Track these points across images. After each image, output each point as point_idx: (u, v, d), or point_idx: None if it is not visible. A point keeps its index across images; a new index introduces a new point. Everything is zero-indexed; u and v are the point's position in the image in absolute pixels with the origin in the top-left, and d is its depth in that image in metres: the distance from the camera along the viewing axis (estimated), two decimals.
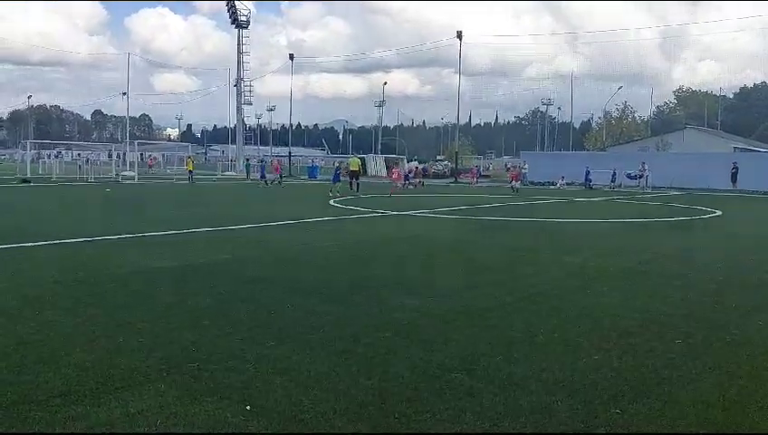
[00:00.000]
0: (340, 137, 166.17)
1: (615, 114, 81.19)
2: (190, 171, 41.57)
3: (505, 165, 72.50)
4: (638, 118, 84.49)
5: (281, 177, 39.35)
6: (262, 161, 45.28)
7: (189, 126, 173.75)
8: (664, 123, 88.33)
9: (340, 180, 27.96)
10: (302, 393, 4.10)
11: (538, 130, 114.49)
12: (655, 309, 6.72)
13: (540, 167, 44.16)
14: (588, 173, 37.57)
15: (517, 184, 33.90)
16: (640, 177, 36.87)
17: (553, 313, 6.46)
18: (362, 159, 59.50)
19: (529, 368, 4.70)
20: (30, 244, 10.55)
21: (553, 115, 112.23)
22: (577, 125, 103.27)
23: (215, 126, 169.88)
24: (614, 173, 38.94)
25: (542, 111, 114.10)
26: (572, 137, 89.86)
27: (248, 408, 3.86)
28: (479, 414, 3.83)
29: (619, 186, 38.16)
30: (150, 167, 57.87)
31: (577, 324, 5.99)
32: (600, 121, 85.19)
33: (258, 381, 4.30)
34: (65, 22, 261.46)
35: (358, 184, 30.85)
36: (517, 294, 7.34)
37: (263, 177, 36.88)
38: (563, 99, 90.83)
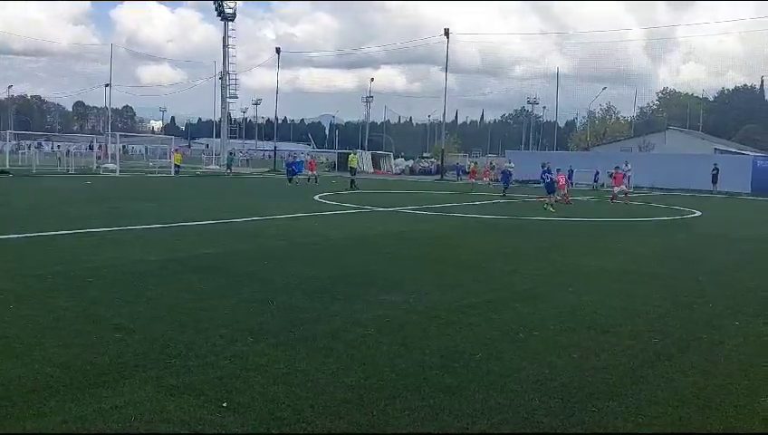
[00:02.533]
0: (327, 132, 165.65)
1: (599, 114, 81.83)
2: (176, 165, 41.16)
3: (490, 163, 72.66)
4: (621, 118, 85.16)
5: (316, 176, 33.50)
6: (293, 158, 40.58)
7: (173, 118, 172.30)
8: (647, 124, 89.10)
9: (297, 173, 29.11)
10: (281, 391, 4.07)
11: (523, 129, 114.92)
12: (633, 308, 6.78)
13: (525, 165, 44.30)
14: (571, 173, 36.86)
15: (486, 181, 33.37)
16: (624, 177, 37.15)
17: (534, 311, 6.49)
18: (348, 155, 59.54)
19: (508, 366, 4.71)
20: (2, 236, 10.39)
21: (539, 114, 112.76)
22: (562, 124, 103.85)
23: (199, 119, 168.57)
24: (597, 173, 39.20)
25: (527, 110, 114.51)
26: (557, 136, 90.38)
27: (225, 405, 3.82)
28: (457, 413, 3.83)
29: (602, 185, 38.41)
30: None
31: (557, 323, 6.02)
32: (584, 121, 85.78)
33: (236, 378, 4.26)
34: (48, 11, 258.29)
35: (354, 181, 30.23)
36: (499, 293, 7.36)
37: (291, 175, 33.35)
38: (549, 98, 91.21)
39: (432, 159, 62.41)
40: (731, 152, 52.52)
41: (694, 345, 5.49)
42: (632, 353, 5.15)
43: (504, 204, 23.36)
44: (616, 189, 26.23)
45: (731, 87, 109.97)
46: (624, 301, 7.14)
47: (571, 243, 12.57)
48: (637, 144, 57.36)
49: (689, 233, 15.61)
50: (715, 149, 52.51)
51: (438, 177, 47.90)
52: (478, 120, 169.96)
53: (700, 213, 21.02)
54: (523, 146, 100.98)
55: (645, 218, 19.25)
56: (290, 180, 32.78)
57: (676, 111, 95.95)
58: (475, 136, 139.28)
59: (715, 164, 36.32)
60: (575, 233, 14.88)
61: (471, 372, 4.55)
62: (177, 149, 46.32)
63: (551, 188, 20.96)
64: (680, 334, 5.79)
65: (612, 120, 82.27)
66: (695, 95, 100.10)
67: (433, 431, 3.60)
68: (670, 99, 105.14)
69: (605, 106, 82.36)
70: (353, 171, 31.45)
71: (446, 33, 48.83)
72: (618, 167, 28.45)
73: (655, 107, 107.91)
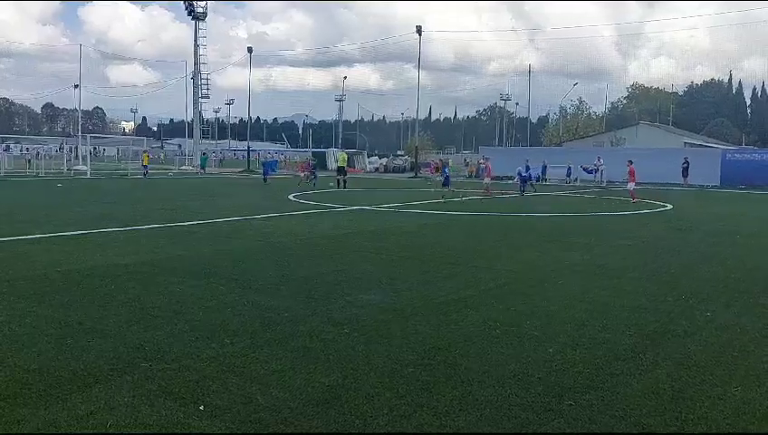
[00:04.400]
0: (301, 131, 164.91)
1: (571, 110, 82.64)
2: (145, 166, 40.59)
3: (464, 160, 73.03)
4: (593, 114, 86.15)
5: (314, 175, 30.04)
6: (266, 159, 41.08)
7: (144, 119, 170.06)
8: (618, 119, 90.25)
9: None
10: (258, 392, 4.04)
11: (497, 125, 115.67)
12: (607, 302, 6.86)
13: (498, 162, 44.61)
14: (527, 169, 33.59)
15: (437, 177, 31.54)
16: (596, 171, 37.64)
17: (510, 307, 6.53)
18: (323, 154, 59.35)
19: (485, 362, 4.74)
20: None
21: (511, 110, 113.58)
22: (534, 120, 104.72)
23: (171, 120, 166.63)
24: (569, 168, 39.64)
25: (500, 106, 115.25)
26: (530, 131, 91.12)
27: (202, 408, 3.79)
28: (435, 410, 3.84)
29: (575, 180, 38.85)
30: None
31: (533, 318, 6.07)
32: (556, 117, 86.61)
33: (212, 381, 4.22)
34: (15, 10, 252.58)
35: (345, 181, 28.76)
36: (476, 289, 7.40)
37: (265, 175, 33.59)
38: (521, 94, 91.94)
39: (406, 157, 62.50)
40: (700, 146, 53.48)
41: (667, 337, 5.58)
42: (608, 347, 5.21)
43: (483, 200, 23.49)
44: (630, 186, 24.13)
45: (700, 81, 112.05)
46: (597, 295, 7.23)
47: (546, 237, 12.68)
48: (608, 139, 58.05)
49: (662, 226, 15.85)
50: (685, 142, 53.45)
51: (412, 174, 48.01)
52: (452, 117, 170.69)
53: (671, 206, 21.35)
54: (496, 142, 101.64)
55: (616, 212, 19.50)
56: (265, 180, 32.54)
57: (647, 105, 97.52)
58: (448, 132, 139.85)
59: (685, 158, 36.92)
60: (544, 229, 15.01)
61: (448, 369, 4.56)
62: (145, 151, 45.62)
63: (447, 181, 23.76)
64: (654, 327, 5.88)
65: (584, 115, 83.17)
66: (665, 90, 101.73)
67: (411, 430, 3.60)
68: (641, 93, 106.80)
69: (577, 102, 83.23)
70: (343, 171, 29.50)
71: (419, 30, 48.96)
72: (631, 160, 26.30)
73: (626, 102, 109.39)
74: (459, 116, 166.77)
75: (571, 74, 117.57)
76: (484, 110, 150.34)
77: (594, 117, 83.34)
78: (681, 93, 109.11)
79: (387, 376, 4.38)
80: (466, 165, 55.82)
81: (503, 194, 26.26)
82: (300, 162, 37.50)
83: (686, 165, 36.01)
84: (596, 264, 9.42)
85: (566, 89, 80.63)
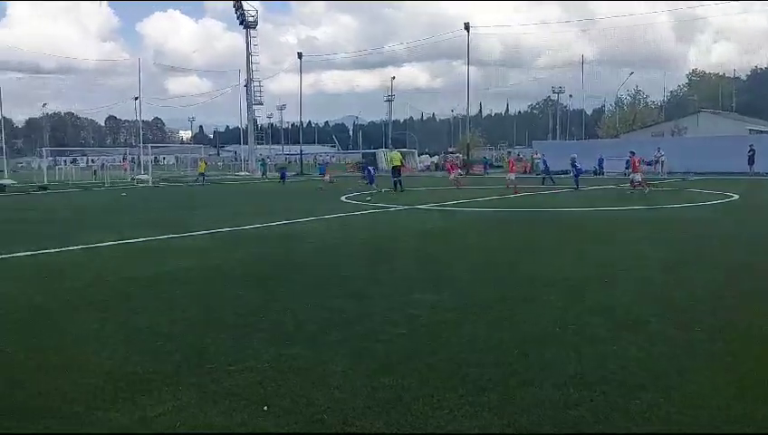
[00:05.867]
0: (351, 133, 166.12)
1: (627, 100, 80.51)
2: (201, 173, 41.62)
3: (517, 154, 72.07)
4: (650, 103, 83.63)
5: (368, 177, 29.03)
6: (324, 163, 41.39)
7: (201, 127, 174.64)
8: (677, 107, 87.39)
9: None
10: (319, 393, 4.09)
11: (550, 119, 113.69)
12: (674, 298, 6.64)
13: (551, 157, 43.83)
14: (574, 160, 32.66)
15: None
16: (656, 162, 36.53)
17: (569, 304, 6.41)
18: (374, 155, 59.60)
19: (546, 361, 4.66)
20: (43, 251, 10.65)
21: (565, 103, 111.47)
22: (589, 112, 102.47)
23: (227, 127, 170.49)
24: (628, 160, 38.58)
25: (553, 100, 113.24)
26: (585, 124, 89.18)
27: (266, 408, 3.86)
28: (496, 410, 3.80)
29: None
30: (125, 170, 55.04)
31: (594, 316, 5.93)
32: (612, 108, 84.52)
33: (275, 382, 4.29)
34: (77, 29, 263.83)
35: (401, 181, 26.78)
36: (533, 287, 7.29)
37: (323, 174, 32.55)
38: (575, 86, 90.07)
39: (458, 154, 62.15)
40: (766, 132, 51.20)
41: (740, 335, 5.36)
42: (676, 344, 5.04)
43: (537, 196, 23.13)
44: (635, 177, 24.24)
45: (765, 65, 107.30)
46: (663, 290, 7.01)
47: (607, 232, 12.38)
48: (668, 129, 56.26)
49: (729, 217, 15.26)
50: (750, 129, 51.26)
51: (465, 171, 47.67)
52: (503, 112, 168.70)
53: (738, 196, 20.54)
54: (550, 136, 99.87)
55: (681, 205, 18.87)
56: (330, 181, 31.51)
57: (708, 92, 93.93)
58: (500, 128, 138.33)
59: (750, 145, 35.49)
60: (600, 223, 14.66)
61: (509, 369, 4.51)
62: (201, 158, 46.88)
63: (371, 178, 26.02)
64: (722, 324, 5.65)
65: (641, 105, 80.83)
66: (726, 75, 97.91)
67: (474, 431, 3.58)
68: (701, 81, 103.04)
69: (633, 91, 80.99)
70: (398, 171, 27.59)
71: (467, 27, 48.66)
72: (633, 152, 26.57)
73: (685, 90, 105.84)
74: (511, 111, 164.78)
75: (626, 63, 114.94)
76: (537, 104, 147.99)
77: (652, 106, 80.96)
78: (744, 79, 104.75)
79: (447, 377, 4.36)
80: (519, 159, 54.96)
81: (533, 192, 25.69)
82: (350, 163, 37.70)
83: (751, 153, 34.61)
84: (660, 258, 9.13)
85: (621, 79, 78.48)
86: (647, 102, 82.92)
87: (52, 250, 10.75)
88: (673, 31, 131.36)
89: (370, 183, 25.91)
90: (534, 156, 43.81)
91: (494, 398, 3.97)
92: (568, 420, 3.66)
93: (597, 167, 40.04)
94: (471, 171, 46.72)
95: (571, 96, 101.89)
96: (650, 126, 62.03)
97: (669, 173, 35.61)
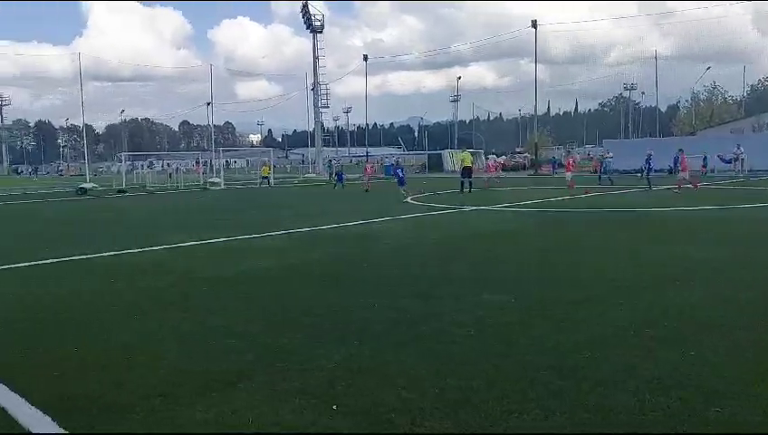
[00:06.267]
0: (416, 134, 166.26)
1: (704, 96, 77.29)
2: (265, 176, 42.31)
3: (587, 154, 70.35)
4: (729, 99, 79.95)
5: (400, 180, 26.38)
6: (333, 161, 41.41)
7: (270, 131, 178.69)
8: (759, 102, 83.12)
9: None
10: (388, 393, 4.12)
11: (621, 117, 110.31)
12: (751, 300, 6.34)
13: (624, 155, 42.53)
14: (649, 157, 31.30)
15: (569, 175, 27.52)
16: (735, 160, 34.86)
17: (643, 306, 6.22)
18: (439, 156, 59.43)
19: (620, 365, 4.54)
20: (122, 252, 11.15)
21: (637, 100, 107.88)
22: (663, 109, 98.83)
23: (294, 130, 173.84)
24: (705, 158, 37.02)
25: (624, 97, 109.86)
26: (659, 121, 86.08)
27: (335, 407, 3.92)
28: (568, 414, 3.73)
29: (712, 171, 36.24)
30: (199, 174, 56.78)
31: (668, 318, 5.73)
32: (687, 104, 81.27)
33: (344, 381, 4.36)
34: (154, 38, 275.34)
35: (470, 182, 25.87)
36: (605, 288, 7.11)
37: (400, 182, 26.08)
38: (647, 83, 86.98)
39: (525, 154, 61.19)
40: None
41: None
42: (756, 349, 4.82)
43: (607, 196, 22.50)
44: (683, 175, 23.63)
45: None
46: (739, 292, 6.69)
47: (682, 232, 11.93)
48: (749, 125, 53.62)
49: None
50: None
51: (533, 171, 46.90)
52: (572, 111, 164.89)
53: None
54: (622, 134, 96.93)
55: (756, 205, 17.95)
56: (401, 183, 27.99)
57: None
58: (569, 127, 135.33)
59: None
60: (671, 223, 14.11)
61: (581, 372, 4.41)
62: (264, 163, 47.67)
63: (402, 181, 25.34)
64: None
65: (719, 100, 77.37)
66: None
67: (545, 433, 3.53)
68: None
69: (710, 87, 77.64)
70: (468, 172, 26.35)
71: (534, 24, 47.84)
72: (681, 150, 25.60)
73: (767, 84, 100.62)
74: (580, 109, 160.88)
75: (703, 58, 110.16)
76: (608, 101, 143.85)
77: (731, 102, 77.38)
78: None
79: (515, 379, 4.32)
80: (591, 158, 53.64)
81: (588, 193, 24.88)
82: (414, 164, 36.98)
83: None
84: (740, 260, 8.73)
85: (697, 74, 75.27)
86: (725, 98, 79.35)
87: (136, 250, 11.25)
88: (752, 23, 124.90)
89: (400, 185, 25.50)
90: (605, 155, 42.55)
91: (566, 402, 3.90)
92: (643, 427, 3.56)
93: (672, 165, 38.56)
94: (539, 171, 45.85)
95: (643, 93, 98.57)
96: (729, 122, 59.34)
97: (750, 171, 33.90)
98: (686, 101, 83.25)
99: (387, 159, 70.77)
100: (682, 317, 5.78)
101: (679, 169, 24.51)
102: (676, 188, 22.75)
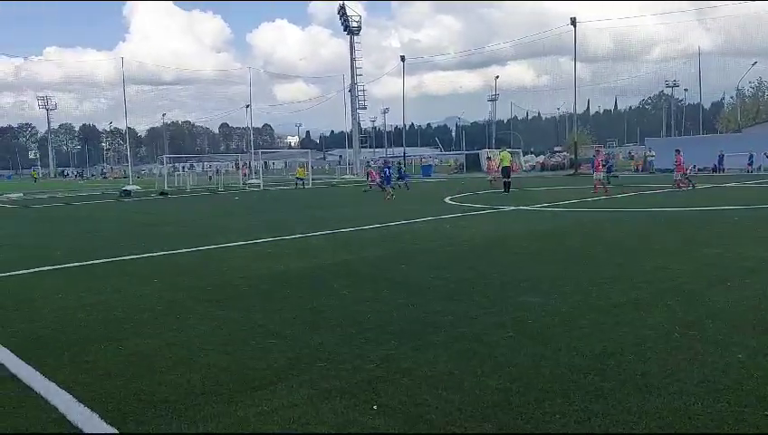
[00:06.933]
0: (453, 134, 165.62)
1: (749, 92, 75.10)
2: (300, 178, 42.02)
3: (629, 153, 69.03)
4: None
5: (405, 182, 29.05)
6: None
7: (308, 133, 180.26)
8: None
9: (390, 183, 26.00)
10: (427, 393, 4.12)
11: (663, 115, 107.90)
12: None
13: (664, 154, 41.62)
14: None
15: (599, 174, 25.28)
16: None
17: (689, 308, 6.07)
18: (476, 155, 59.05)
19: (664, 367, 4.44)
20: (165, 253, 11.38)
21: (679, 97, 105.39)
22: (707, 106, 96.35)
23: (332, 131, 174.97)
24: (752, 155, 36.01)
25: (666, 94, 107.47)
26: (702, 119, 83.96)
27: (375, 408, 3.93)
28: (611, 417, 3.67)
29: (758, 168, 35.22)
30: (245, 175, 57.13)
31: (715, 320, 5.59)
32: (732, 102, 79.06)
33: (383, 382, 4.37)
34: (194, 42, 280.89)
35: (509, 183, 25.71)
36: (648, 289, 6.97)
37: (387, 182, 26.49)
38: (690, 79, 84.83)
39: (564, 154, 60.35)
40: None
41: None
42: None
43: (647, 195, 22.04)
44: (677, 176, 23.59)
45: None
46: None
47: (726, 232, 11.61)
48: None
49: None
50: None
51: (572, 171, 46.21)
52: (612, 109, 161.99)
53: None
54: (664, 132, 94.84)
55: None
56: (387, 182, 27.33)
57: None
58: (609, 126, 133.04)
59: None
60: (719, 223, 13.73)
61: (624, 375, 4.34)
62: (300, 165, 47.40)
63: (388, 180, 25.47)
64: None
65: (765, 96, 75.08)
66: None
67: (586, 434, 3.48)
68: None
69: (756, 83, 75.41)
70: (507, 172, 26.33)
71: (573, 21, 47.12)
72: (678, 150, 25.24)
73: None
74: (620, 107, 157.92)
75: (748, 53, 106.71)
76: (649, 99, 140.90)
77: None
78: None
79: (556, 381, 4.27)
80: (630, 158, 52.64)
81: (608, 194, 24.33)
82: (451, 163, 36.44)
83: None
84: None
85: (742, 70, 72.99)
86: None
87: (184, 250, 11.49)
88: None
89: (387, 184, 25.16)
90: (648, 153, 41.74)
91: (609, 405, 3.84)
92: (690, 431, 3.48)
93: (716, 164, 37.65)
94: (578, 171, 45.12)
95: (686, 90, 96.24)
96: None
97: None
98: (731, 97, 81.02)
99: (424, 160, 70.62)
100: (731, 319, 5.63)
101: (721, 167, 24.06)
102: (683, 187, 22.42)
